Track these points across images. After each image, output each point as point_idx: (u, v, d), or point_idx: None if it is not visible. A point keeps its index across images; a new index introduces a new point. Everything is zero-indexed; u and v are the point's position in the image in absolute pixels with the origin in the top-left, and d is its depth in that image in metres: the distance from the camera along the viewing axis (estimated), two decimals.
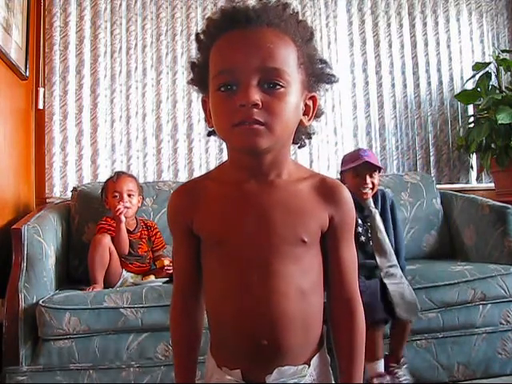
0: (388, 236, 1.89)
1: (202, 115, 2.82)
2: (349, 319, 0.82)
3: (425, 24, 3.22)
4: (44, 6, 2.73)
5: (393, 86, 3.16)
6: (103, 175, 2.66)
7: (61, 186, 2.67)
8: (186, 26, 2.93)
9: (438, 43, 3.23)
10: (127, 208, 2.11)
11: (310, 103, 0.80)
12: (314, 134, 0.86)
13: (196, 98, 2.88)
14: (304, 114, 0.79)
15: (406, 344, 1.83)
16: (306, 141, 0.86)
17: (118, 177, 2.19)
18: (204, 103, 0.82)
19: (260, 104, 0.70)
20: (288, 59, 0.73)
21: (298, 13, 0.80)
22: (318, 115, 0.83)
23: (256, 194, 0.78)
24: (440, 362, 1.91)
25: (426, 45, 3.22)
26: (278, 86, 0.72)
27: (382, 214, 1.95)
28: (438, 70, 3.22)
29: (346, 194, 0.83)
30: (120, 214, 2.05)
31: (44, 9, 2.73)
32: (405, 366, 1.80)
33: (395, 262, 1.83)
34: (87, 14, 2.76)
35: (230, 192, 0.80)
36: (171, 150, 2.85)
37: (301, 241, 0.77)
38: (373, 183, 1.92)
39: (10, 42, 2.23)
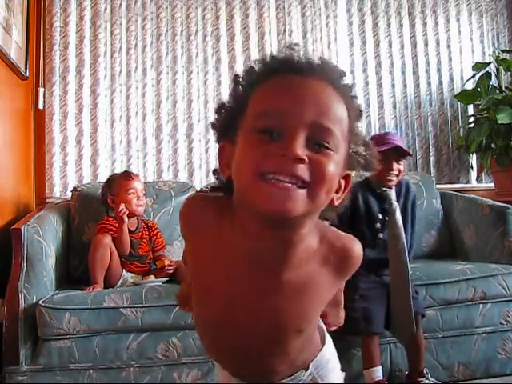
0: (405, 233, 1.82)
1: (202, 115, 2.82)
2: None
3: (425, 24, 3.22)
4: (44, 5, 2.73)
5: (393, 86, 3.16)
6: (103, 175, 2.66)
7: (61, 186, 2.67)
8: (185, 26, 2.93)
9: (437, 43, 3.23)
10: (141, 206, 2.18)
11: (343, 182, 0.69)
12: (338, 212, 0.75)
13: (196, 98, 2.89)
14: (336, 191, 0.68)
15: (424, 355, 1.80)
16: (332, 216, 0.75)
17: (133, 175, 2.24)
18: (222, 149, 0.71)
19: (306, 159, 0.60)
20: (341, 124, 0.64)
21: (352, 86, 0.72)
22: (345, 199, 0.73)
23: (266, 268, 0.68)
24: (440, 362, 1.92)
25: (426, 45, 3.22)
26: (328, 148, 0.62)
27: (403, 209, 1.87)
28: (438, 70, 3.22)
29: (358, 260, 0.74)
30: (123, 214, 2.05)
31: (44, 9, 2.73)
32: (429, 375, 1.78)
33: (406, 260, 1.76)
34: (87, 14, 2.76)
35: (233, 248, 0.69)
36: (171, 150, 2.85)
37: (298, 331, 0.73)
38: (399, 170, 1.83)
39: (10, 42, 2.23)
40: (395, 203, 1.84)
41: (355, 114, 0.69)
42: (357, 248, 0.74)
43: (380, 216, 1.84)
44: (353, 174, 0.71)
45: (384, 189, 1.85)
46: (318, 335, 0.84)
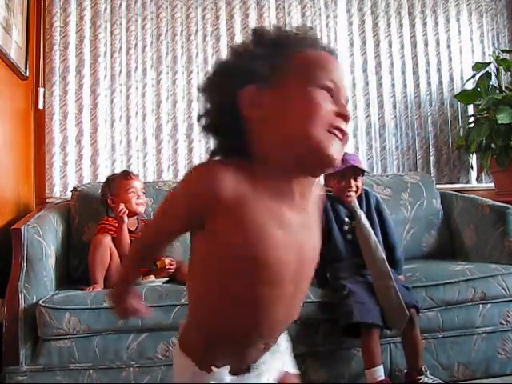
0: (375, 233, 1.90)
1: None
2: None
3: (425, 24, 3.22)
4: (44, 5, 2.73)
5: (393, 86, 3.16)
6: (103, 175, 2.66)
7: (61, 186, 2.67)
8: (185, 26, 2.93)
9: (438, 43, 3.23)
10: (141, 204, 2.19)
11: None
12: None
13: (196, 98, 2.88)
14: None
15: (422, 353, 1.81)
16: None
17: (132, 175, 2.25)
18: (247, 93, 0.73)
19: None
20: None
21: None
22: None
23: (297, 213, 0.74)
24: (440, 362, 1.91)
25: (426, 45, 3.22)
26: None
27: (368, 213, 1.99)
28: (438, 70, 3.22)
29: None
30: (123, 214, 2.05)
31: (44, 9, 2.73)
32: (428, 372, 1.79)
33: (381, 255, 1.83)
34: (87, 14, 2.76)
35: (272, 203, 0.72)
36: (171, 150, 2.85)
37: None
38: (357, 186, 1.96)
39: (10, 42, 2.23)
40: (359, 211, 1.95)
41: None
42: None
43: (346, 219, 1.95)
44: None
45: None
46: None
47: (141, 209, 2.20)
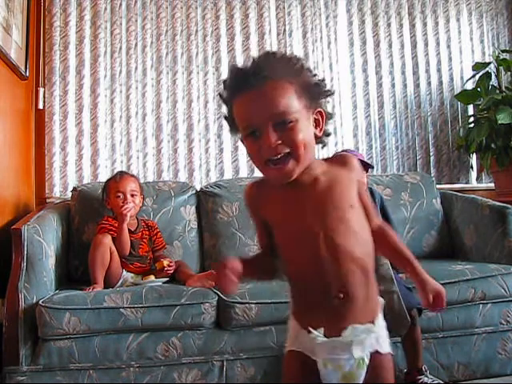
0: None
1: (202, 115, 2.82)
2: (383, 235, 1.03)
3: (425, 24, 3.22)
4: (44, 5, 2.73)
5: (393, 86, 3.16)
6: (103, 175, 2.66)
7: (61, 186, 2.67)
8: (185, 26, 2.93)
9: (437, 43, 3.23)
10: (128, 208, 2.10)
11: (319, 117, 0.98)
12: (329, 134, 1.04)
13: (196, 98, 2.89)
14: (316, 127, 0.98)
15: (421, 352, 1.81)
16: (327, 139, 1.04)
17: (120, 177, 2.20)
18: (243, 142, 0.99)
19: (279, 141, 0.90)
20: (289, 99, 0.91)
21: (284, 53, 1.00)
22: (328, 118, 1.01)
23: (300, 190, 0.96)
24: (440, 362, 1.92)
25: (426, 45, 3.22)
26: (288, 123, 0.90)
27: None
28: (438, 70, 3.22)
29: (350, 156, 1.03)
30: (126, 211, 2.06)
31: (44, 9, 2.73)
32: (428, 372, 1.79)
33: (386, 259, 1.81)
34: (87, 14, 2.77)
35: (281, 192, 0.98)
36: (171, 150, 2.85)
37: (349, 206, 0.96)
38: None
39: (10, 42, 2.23)
40: None
41: (298, 71, 0.95)
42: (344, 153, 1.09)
43: None
44: (322, 107, 0.99)
45: None
46: (375, 294, 1.00)
47: (133, 211, 2.13)
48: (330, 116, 1.01)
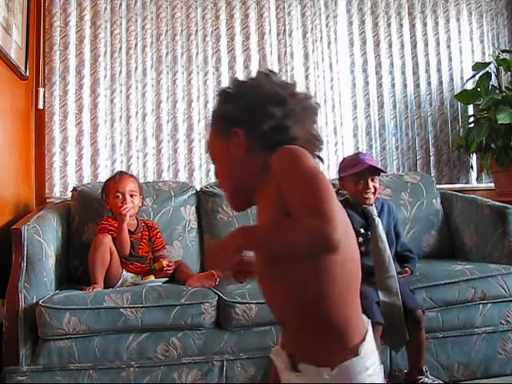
0: (390, 246, 1.86)
1: (202, 115, 2.81)
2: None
3: (425, 24, 3.22)
4: (44, 5, 2.73)
5: (393, 86, 3.16)
6: (103, 175, 2.66)
7: (61, 186, 2.67)
8: (185, 26, 2.92)
9: (437, 43, 3.23)
10: (127, 209, 2.09)
11: (237, 139, 0.92)
12: (320, 142, 0.94)
13: (196, 98, 2.89)
14: (238, 151, 0.93)
15: (425, 354, 1.81)
16: (321, 146, 0.95)
17: (120, 177, 2.19)
18: None
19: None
20: (213, 142, 0.98)
21: (224, 90, 0.97)
22: (312, 140, 0.93)
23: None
24: (440, 362, 1.92)
25: (426, 45, 3.22)
26: (216, 163, 0.99)
27: (387, 226, 1.93)
28: (438, 70, 3.22)
29: (277, 155, 0.85)
30: (126, 211, 2.05)
31: (44, 9, 2.73)
32: (428, 373, 1.79)
33: (393, 272, 1.79)
34: (87, 14, 2.76)
35: None
36: (171, 150, 2.85)
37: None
38: (374, 187, 1.89)
39: (10, 42, 2.23)
40: (377, 218, 1.88)
41: (217, 113, 0.98)
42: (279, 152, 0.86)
43: (362, 230, 1.87)
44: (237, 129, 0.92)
45: (364, 206, 1.91)
46: (341, 341, 0.82)
47: (132, 212, 2.12)
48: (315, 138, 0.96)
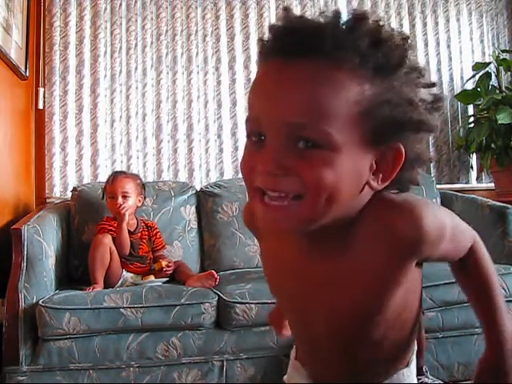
0: None
1: (202, 115, 2.80)
2: (468, 263, 0.69)
3: (425, 24, 3.22)
4: (44, 5, 2.73)
5: None
6: (103, 175, 2.66)
7: (61, 186, 2.67)
8: (185, 26, 2.92)
9: (437, 43, 3.23)
10: (122, 208, 2.08)
11: (390, 157, 0.57)
12: (418, 184, 0.64)
13: (196, 98, 2.88)
14: (376, 173, 0.57)
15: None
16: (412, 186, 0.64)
17: (113, 178, 2.17)
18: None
19: (280, 173, 0.53)
20: (336, 108, 0.52)
21: (380, 28, 0.57)
22: (420, 163, 0.62)
23: (319, 244, 0.62)
24: (440, 362, 1.92)
25: (426, 45, 3.21)
26: (319, 147, 0.52)
27: None
28: (438, 70, 3.22)
29: (410, 233, 0.59)
30: (124, 210, 2.05)
31: (44, 9, 2.73)
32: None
33: None
34: (87, 13, 2.76)
35: (283, 246, 0.66)
36: (171, 150, 2.85)
37: (361, 321, 0.66)
38: None
39: (10, 42, 2.23)
40: None
41: (386, 68, 0.55)
42: (405, 222, 0.58)
43: None
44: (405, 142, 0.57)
45: None
46: (401, 354, 0.74)
47: (126, 212, 2.07)
48: (420, 161, 0.61)
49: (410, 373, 0.74)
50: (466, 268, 0.69)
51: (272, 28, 0.57)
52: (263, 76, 0.57)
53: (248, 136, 0.58)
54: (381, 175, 0.58)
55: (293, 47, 0.53)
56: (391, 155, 0.57)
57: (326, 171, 0.52)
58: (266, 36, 0.58)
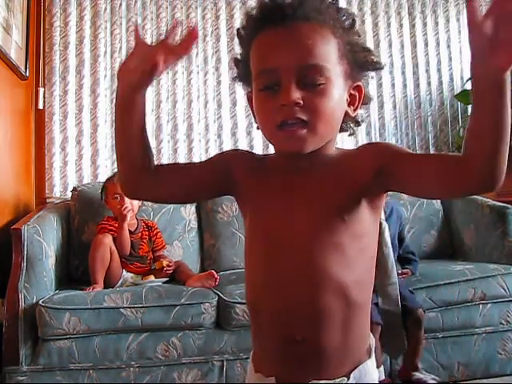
0: (394, 251, 1.85)
1: (202, 115, 2.81)
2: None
3: (425, 24, 3.22)
4: (44, 5, 2.73)
5: (393, 86, 3.16)
6: (103, 175, 2.66)
7: (61, 186, 2.67)
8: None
9: (437, 43, 3.23)
10: (127, 209, 2.09)
11: (356, 93, 0.78)
12: (362, 122, 0.84)
13: (196, 98, 2.88)
14: (349, 105, 0.77)
15: (421, 351, 1.82)
16: (356, 128, 0.84)
17: (116, 178, 2.19)
18: (249, 99, 0.81)
19: (301, 102, 0.69)
20: (327, 53, 0.71)
21: (337, 1, 0.77)
22: (365, 102, 0.81)
23: (300, 177, 0.76)
24: (440, 362, 1.92)
25: (426, 45, 3.21)
26: (319, 83, 0.70)
27: (394, 232, 1.94)
28: (438, 70, 3.22)
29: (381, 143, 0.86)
30: (126, 211, 2.05)
31: (44, 9, 2.73)
32: (423, 370, 1.80)
33: (395, 279, 1.79)
34: (87, 13, 2.76)
35: (281, 178, 0.78)
36: (171, 150, 2.85)
37: (339, 218, 0.72)
38: None
39: (10, 42, 2.23)
40: (384, 223, 1.87)
41: (346, 26, 0.76)
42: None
43: None
44: (361, 83, 0.79)
45: None
46: (364, 336, 0.76)
47: (127, 212, 2.08)
48: (368, 99, 0.82)
49: (372, 363, 0.76)
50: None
51: (260, 4, 0.75)
52: (267, 39, 0.73)
53: (261, 90, 0.73)
54: (352, 107, 0.78)
55: (285, 16, 0.71)
56: (357, 90, 0.79)
57: (325, 103, 0.71)
58: (253, 12, 0.75)
